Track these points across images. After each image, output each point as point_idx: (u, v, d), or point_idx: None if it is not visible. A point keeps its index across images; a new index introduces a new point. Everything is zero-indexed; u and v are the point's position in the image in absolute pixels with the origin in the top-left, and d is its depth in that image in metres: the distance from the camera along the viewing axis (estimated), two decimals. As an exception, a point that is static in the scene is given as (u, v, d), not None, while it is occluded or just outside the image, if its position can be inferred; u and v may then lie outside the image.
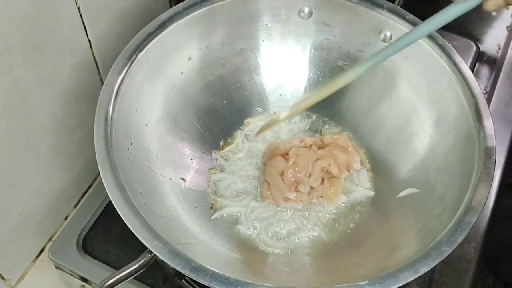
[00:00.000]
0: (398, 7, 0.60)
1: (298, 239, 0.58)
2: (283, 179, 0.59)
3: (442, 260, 0.45)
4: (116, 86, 0.53)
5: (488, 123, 0.53)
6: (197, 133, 0.64)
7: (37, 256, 0.65)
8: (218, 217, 0.59)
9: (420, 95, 0.60)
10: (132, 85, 0.55)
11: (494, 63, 0.78)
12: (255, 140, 0.66)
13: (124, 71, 0.54)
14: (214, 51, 0.63)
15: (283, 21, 0.65)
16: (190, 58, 0.62)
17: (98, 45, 0.60)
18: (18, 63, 0.50)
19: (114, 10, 0.61)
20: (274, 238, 0.58)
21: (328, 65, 0.66)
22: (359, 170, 0.63)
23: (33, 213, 0.61)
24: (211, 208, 0.60)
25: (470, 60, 0.76)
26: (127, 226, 0.45)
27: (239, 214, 0.60)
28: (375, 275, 0.44)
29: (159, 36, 0.57)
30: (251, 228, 0.59)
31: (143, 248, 0.45)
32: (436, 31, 0.58)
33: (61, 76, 0.57)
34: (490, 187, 0.49)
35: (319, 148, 0.62)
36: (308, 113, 0.68)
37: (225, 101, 0.66)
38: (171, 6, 0.69)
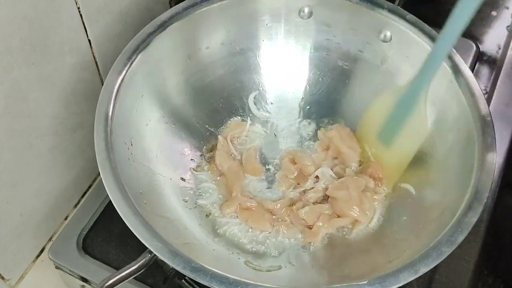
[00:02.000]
0: (398, 7, 0.60)
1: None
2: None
3: (442, 260, 0.45)
4: (116, 86, 0.53)
5: (488, 123, 0.53)
6: (197, 133, 0.64)
7: (37, 256, 0.65)
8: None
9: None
10: (132, 85, 0.55)
11: (494, 63, 0.78)
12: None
13: (124, 71, 0.54)
14: (214, 51, 0.63)
15: (283, 21, 0.64)
16: (190, 58, 0.62)
17: (98, 45, 0.60)
18: (18, 63, 0.50)
19: (114, 10, 0.61)
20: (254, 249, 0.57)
21: (328, 65, 0.66)
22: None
23: (33, 213, 0.61)
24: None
25: (470, 60, 0.76)
26: (127, 226, 0.45)
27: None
28: (375, 275, 0.44)
29: (159, 36, 0.57)
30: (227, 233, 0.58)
31: (143, 248, 0.45)
32: (436, 31, 0.58)
33: (61, 76, 0.57)
34: (490, 187, 0.49)
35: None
36: (307, 109, 0.68)
37: (225, 101, 0.66)
38: (171, 6, 0.69)
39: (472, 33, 0.80)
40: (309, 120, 0.67)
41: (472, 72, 0.58)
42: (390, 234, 0.55)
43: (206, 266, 0.44)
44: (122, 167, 0.49)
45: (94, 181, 0.70)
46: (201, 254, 0.52)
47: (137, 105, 0.56)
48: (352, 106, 0.66)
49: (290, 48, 0.66)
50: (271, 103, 0.68)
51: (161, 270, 0.55)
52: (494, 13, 0.81)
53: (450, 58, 0.56)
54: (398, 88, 0.55)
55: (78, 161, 0.65)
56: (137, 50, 0.55)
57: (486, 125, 0.52)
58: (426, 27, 0.58)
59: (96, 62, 0.62)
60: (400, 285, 0.44)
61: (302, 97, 0.68)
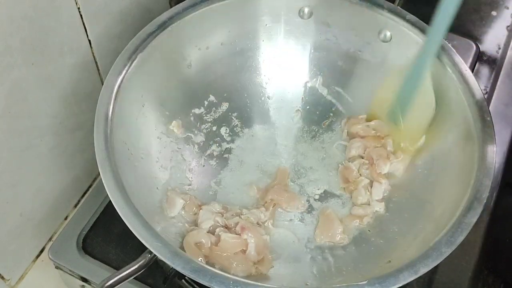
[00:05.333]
0: (398, 7, 0.60)
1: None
2: None
3: (442, 260, 0.45)
4: (116, 86, 0.53)
5: (488, 123, 0.53)
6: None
7: (37, 256, 0.65)
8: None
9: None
10: (132, 85, 0.55)
11: (494, 63, 0.78)
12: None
13: (124, 71, 0.54)
14: (214, 51, 0.63)
15: (283, 21, 0.64)
16: (190, 59, 0.62)
17: (98, 45, 0.60)
18: (18, 63, 0.50)
19: (114, 10, 0.61)
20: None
21: (328, 65, 0.66)
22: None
23: (33, 213, 0.61)
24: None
25: (470, 60, 0.76)
26: (127, 226, 0.45)
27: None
28: (375, 275, 0.44)
29: (159, 36, 0.57)
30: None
31: (143, 248, 0.45)
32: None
33: (61, 76, 0.57)
34: (490, 187, 0.49)
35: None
36: (307, 109, 0.68)
37: (225, 102, 0.66)
38: (171, 6, 0.69)
39: (472, 33, 0.80)
40: (309, 120, 0.67)
41: (472, 72, 0.58)
42: (390, 234, 0.55)
43: (206, 266, 0.44)
44: (122, 167, 0.49)
45: (94, 181, 0.70)
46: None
47: (137, 105, 0.56)
48: (352, 107, 0.66)
49: (290, 48, 0.66)
50: (271, 103, 0.68)
51: (161, 270, 0.55)
52: (494, 13, 0.81)
53: (450, 58, 0.57)
54: (403, 68, 0.55)
55: (78, 161, 0.65)
56: (137, 50, 0.55)
57: (486, 125, 0.52)
58: (426, 27, 0.58)
59: (96, 62, 0.62)
60: (400, 285, 0.44)
61: (302, 97, 0.68)
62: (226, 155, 0.64)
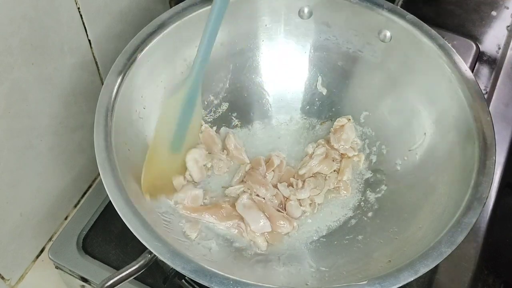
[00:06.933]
0: (398, 7, 0.60)
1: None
2: None
3: (442, 260, 0.45)
4: (116, 86, 0.53)
5: (488, 123, 0.53)
6: (197, 133, 0.64)
7: (37, 256, 0.65)
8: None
9: (420, 95, 0.60)
10: (132, 85, 0.55)
11: (494, 63, 0.78)
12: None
13: (124, 71, 0.54)
14: (214, 51, 0.63)
15: (283, 21, 0.64)
16: (190, 59, 0.62)
17: (98, 45, 0.60)
18: (18, 63, 0.50)
19: (114, 10, 0.61)
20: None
21: (328, 65, 0.66)
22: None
23: (33, 213, 0.61)
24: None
25: (470, 60, 0.76)
26: (127, 226, 0.45)
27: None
28: (375, 275, 0.45)
29: (159, 36, 0.57)
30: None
31: (143, 248, 0.45)
32: (436, 31, 0.58)
33: (61, 76, 0.57)
34: (490, 187, 0.49)
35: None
36: (307, 109, 0.68)
37: (225, 102, 0.66)
38: (171, 6, 0.69)
39: (472, 33, 0.80)
40: (309, 120, 0.67)
41: (472, 72, 0.58)
42: (390, 234, 0.55)
43: (206, 266, 0.44)
44: (122, 167, 0.49)
45: (94, 181, 0.70)
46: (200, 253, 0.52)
47: (137, 106, 0.56)
48: (352, 107, 0.66)
49: (290, 48, 0.66)
50: (271, 103, 0.68)
51: (161, 270, 0.55)
52: (494, 13, 0.81)
53: (450, 58, 0.57)
54: (175, 94, 0.54)
55: (78, 161, 0.65)
56: (137, 50, 0.55)
57: (486, 125, 0.53)
58: (426, 27, 0.58)
59: (96, 62, 0.62)
60: (400, 285, 0.44)
61: (302, 97, 0.68)
62: (226, 155, 0.64)
